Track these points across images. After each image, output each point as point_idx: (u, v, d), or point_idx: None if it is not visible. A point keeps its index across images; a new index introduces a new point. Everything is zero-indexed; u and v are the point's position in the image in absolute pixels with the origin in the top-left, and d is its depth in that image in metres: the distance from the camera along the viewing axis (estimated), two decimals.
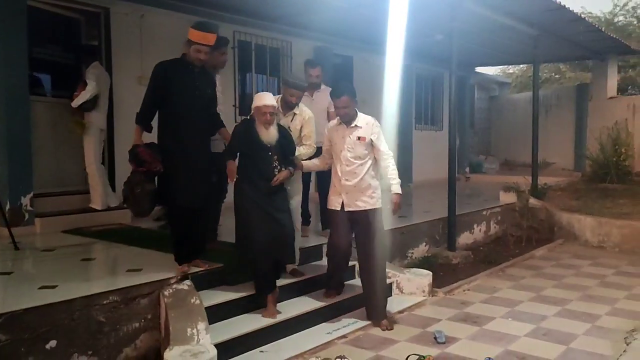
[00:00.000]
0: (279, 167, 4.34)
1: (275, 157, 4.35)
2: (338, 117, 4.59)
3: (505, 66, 19.24)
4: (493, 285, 5.86)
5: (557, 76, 18.80)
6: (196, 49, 4.22)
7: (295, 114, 4.70)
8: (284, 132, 4.47)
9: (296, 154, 4.58)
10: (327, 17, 7.96)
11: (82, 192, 6.49)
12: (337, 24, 8.63)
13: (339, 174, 4.53)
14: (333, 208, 4.62)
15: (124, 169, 6.67)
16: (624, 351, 4.08)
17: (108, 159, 6.83)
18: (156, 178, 4.29)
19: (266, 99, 4.32)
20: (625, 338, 4.33)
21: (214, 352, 3.50)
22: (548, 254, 7.47)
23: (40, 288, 3.81)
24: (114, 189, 6.69)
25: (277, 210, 4.33)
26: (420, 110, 12.86)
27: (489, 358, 3.85)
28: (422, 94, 12.90)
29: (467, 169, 13.95)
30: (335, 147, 4.59)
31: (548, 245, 7.88)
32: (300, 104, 4.74)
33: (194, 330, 3.67)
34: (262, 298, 4.34)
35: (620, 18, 14.63)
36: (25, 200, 5.73)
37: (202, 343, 3.58)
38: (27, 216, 5.73)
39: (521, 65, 17.89)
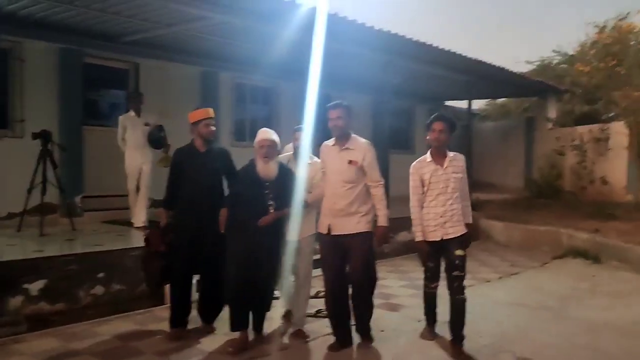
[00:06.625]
0: (273, 206, 4.38)
1: (271, 195, 4.37)
2: (334, 136, 4.54)
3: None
4: (401, 263, 8.20)
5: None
6: (205, 124, 4.79)
7: (309, 163, 4.81)
8: (285, 170, 4.51)
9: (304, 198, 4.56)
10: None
11: (117, 195, 8.86)
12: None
13: (328, 196, 4.48)
14: (320, 231, 4.57)
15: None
16: None
17: None
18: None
19: (262, 134, 4.48)
20: None
21: None
22: None
23: (93, 245, 6.38)
24: None
25: (260, 252, 4.32)
26: (395, 137, 15.26)
27: None
28: (397, 123, 15.31)
29: None
30: (327, 168, 4.53)
31: None
32: (314, 158, 4.86)
33: None
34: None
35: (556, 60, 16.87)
36: (78, 199, 8.35)
37: None
38: (78, 210, 8.30)
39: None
